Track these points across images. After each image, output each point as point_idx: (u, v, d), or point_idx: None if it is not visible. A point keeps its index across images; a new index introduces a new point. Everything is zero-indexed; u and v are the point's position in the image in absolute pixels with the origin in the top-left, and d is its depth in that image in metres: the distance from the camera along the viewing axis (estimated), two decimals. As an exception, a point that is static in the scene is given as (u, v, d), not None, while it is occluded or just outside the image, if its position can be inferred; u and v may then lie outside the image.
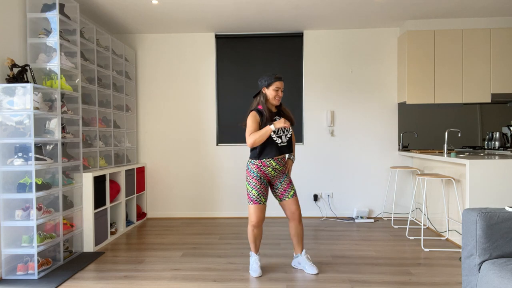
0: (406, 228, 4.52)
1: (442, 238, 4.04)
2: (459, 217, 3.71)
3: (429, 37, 4.71)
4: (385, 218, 5.05)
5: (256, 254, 3.10)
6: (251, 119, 2.93)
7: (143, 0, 3.99)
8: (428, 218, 4.53)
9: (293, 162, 3.16)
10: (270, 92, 2.96)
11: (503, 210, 2.09)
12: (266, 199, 2.99)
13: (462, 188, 3.62)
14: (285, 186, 3.04)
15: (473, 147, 5.11)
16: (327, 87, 5.14)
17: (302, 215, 5.16)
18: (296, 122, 5.18)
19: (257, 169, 2.98)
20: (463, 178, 3.61)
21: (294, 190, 3.07)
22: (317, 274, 3.02)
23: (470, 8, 4.33)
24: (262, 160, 2.96)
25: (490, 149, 4.98)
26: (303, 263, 3.08)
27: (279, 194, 3.05)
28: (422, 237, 3.76)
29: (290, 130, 3.05)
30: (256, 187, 2.96)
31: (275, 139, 2.96)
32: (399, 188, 5.10)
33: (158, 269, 3.20)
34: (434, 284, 2.80)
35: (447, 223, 3.99)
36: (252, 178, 2.99)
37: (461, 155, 3.89)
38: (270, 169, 2.98)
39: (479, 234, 2.03)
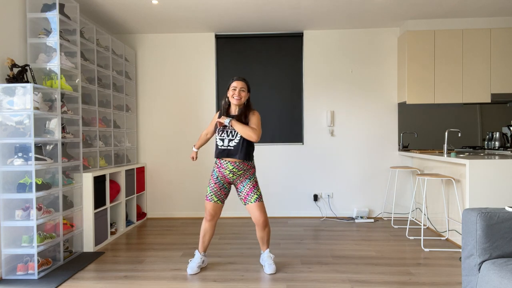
0: (406, 228, 4.52)
1: (442, 238, 4.04)
2: (459, 217, 3.71)
3: (429, 37, 4.71)
4: (385, 218, 5.05)
5: (201, 253, 3.15)
6: (213, 118, 3.22)
7: (143, 0, 3.99)
8: (428, 218, 4.53)
9: (223, 121, 3.00)
10: (229, 91, 3.06)
11: (503, 210, 2.09)
12: (219, 199, 3.09)
13: (462, 188, 3.62)
14: (248, 190, 3.06)
15: (473, 147, 5.11)
16: (327, 87, 5.15)
17: (302, 215, 5.16)
18: (296, 122, 5.17)
19: (217, 169, 3.10)
20: (463, 178, 3.61)
21: (258, 194, 3.05)
22: (272, 274, 3.04)
23: (470, 8, 4.33)
24: (220, 162, 3.06)
25: (490, 149, 4.98)
26: (264, 261, 3.15)
27: (243, 198, 3.09)
28: (422, 237, 3.76)
29: (239, 136, 3.00)
30: (210, 185, 3.11)
31: (216, 140, 3.08)
32: (399, 188, 5.10)
33: (158, 269, 3.20)
34: (434, 284, 2.80)
35: (447, 223, 3.99)
36: (211, 177, 3.14)
37: (461, 155, 3.89)
38: (228, 172, 3.04)
39: (479, 234, 2.03)
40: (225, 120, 3.00)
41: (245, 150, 3.00)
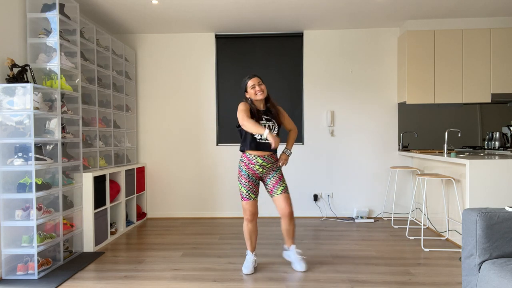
0: (406, 228, 4.52)
1: (442, 238, 4.04)
2: (459, 217, 3.71)
3: (429, 37, 4.71)
4: (385, 218, 5.05)
5: (252, 253, 3.15)
6: (243, 106, 3.02)
7: (143, 0, 3.99)
8: (428, 218, 4.53)
9: (287, 156, 3.20)
10: (249, 92, 3.06)
11: (503, 210, 2.09)
12: (256, 195, 3.10)
13: (462, 188, 3.62)
14: (274, 182, 3.09)
15: (473, 147, 5.11)
16: (327, 87, 5.15)
17: (302, 215, 5.16)
18: (296, 122, 5.17)
19: (246, 167, 3.09)
20: (463, 178, 3.61)
21: (284, 186, 3.09)
22: (304, 271, 3.06)
23: (470, 8, 4.33)
24: (248, 157, 3.06)
25: (490, 149, 4.98)
26: (293, 258, 3.15)
27: (269, 190, 3.13)
28: (422, 237, 3.76)
29: (276, 130, 3.11)
30: (244, 184, 3.08)
31: (255, 134, 3.04)
32: (399, 188, 5.10)
33: (158, 269, 3.20)
34: (434, 284, 2.80)
35: (447, 223, 3.99)
36: (242, 176, 3.11)
37: (461, 155, 3.89)
38: (258, 167, 3.06)
39: (479, 234, 2.03)
40: (288, 152, 3.22)
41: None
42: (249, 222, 3.10)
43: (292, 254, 3.15)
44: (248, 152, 3.07)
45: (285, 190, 3.08)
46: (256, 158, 3.04)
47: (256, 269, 3.16)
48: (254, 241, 3.15)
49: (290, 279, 2.92)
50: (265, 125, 3.06)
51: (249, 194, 3.07)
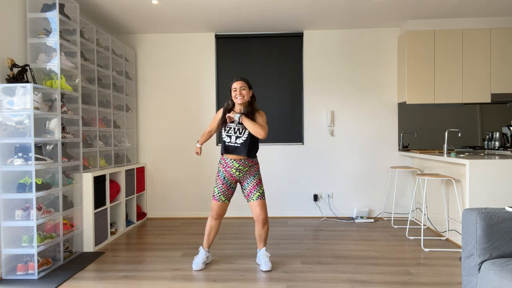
0: (406, 228, 4.52)
1: (442, 238, 4.04)
2: (459, 217, 3.71)
3: (429, 37, 4.71)
4: (385, 218, 5.05)
5: (205, 249, 3.23)
6: (215, 115, 3.27)
7: (143, 0, 3.99)
8: (428, 218, 4.53)
9: (234, 116, 3.05)
10: (232, 94, 3.12)
11: (503, 210, 2.09)
12: (226, 198, 3.17)
13: (462, 188, 3.62)
14: (251, 187, 3.14)
15: (473, 147, 5.11)
16: (327, 87, 5.14)
17: (302, 215, 5.16)
18: (296, 122, 5.17)
19: (223, 169, 3.16)
20: (463, 178, 3.61)
21: (261, 192, 3.14)
22: (268, 271, 3.10)
23: (470, 8, 4.33)
24: (225, 160, 3.13)
25: (490, 149, 4.98)
26: (260, 259, 3.20)
27: (246, 195, 3.18)
28: (422, 237, 3.76)
29: (246, 133, 3.08)
30: (218, 186, 3.16)
31: (223, 136, 3.14)
32: (399, 188, 5.10)
33: (158, 269, 3.20)
34: (434, 284, 2.80)
35: (447, 223, 3.99)
36: (218, 177, 3.19)
37: (461, 155, 3.89)
38: (234, 170, 3.12)
39: (479, 234, 2.03)
40: (236, 115, 3.06)
41: (251, 147, 3.12)
42: (214, 219, 3.21)
43: (261, 255, 3.20)
44: (225, 155, 3.15)
45: (261, 196, 3.13)
46: (233, 162, 3.11)
47: (255, 269, 3.16)
48: (212, 238, 3.25)
49: (290, 279, 2.92)
50: (234, 128, 3.10)
51: (219, 195, 3.15)
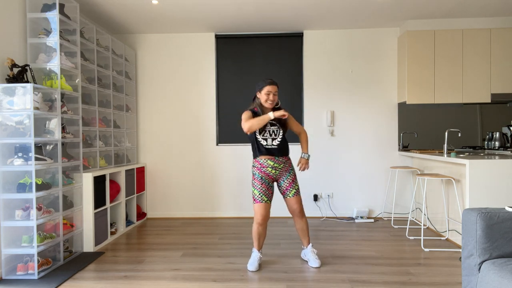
0: (406, 228, 4.52)
1: (442, 238, 4.04)
2: (459, 217, 3.71)
3: (429, 37, 4.71)
4: (385, 218, 5.05)
5: (258, 251, 3.22)
6: (244, 115, 3.14)
7: (143, 0, 3.99)
8: (428, 218, 4.53)
9: (306, 160, 3.27)
10: (262, 96, 3.15)
11: (503, 210, 2.09)
12: (268, 198, 3.16)
13: (462, 188, 3.62)
14: (287, 184, 3.19)
15: (473, 147, 5.11)
16: (327, 87, 5.15)
17: (302, 215, 5.16)
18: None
19: (258, 171, 3.18)
20: (463, 178, 3.61)
21: (296, 188, 3.21)
22: (318, 267, 3.16)
23: (470, 8, 4.33)
24: (260, 162, 3.16)
25: (490, 149, 4.98)
26: (308, 255, 3.27)
27: (282, 192, 3.24)
28: (422, 237, 3.76)
29: (281, 134, 3.18)
30: (257, 187, 3.16)
31: (260, 140, 3.15)
32: (399, 188, 5.10)
33: (158, 269, 3.20)
34: (434, 284, 2.80)
35: (447, 223, 3.99)
36: (255, 179, 3.19)
37: (461, 155, 3.89)
38: (270, 169, 3.15)
39: (479, 234, 2.03)
40: (305, 156, 3.30)
41: (286, 146, 3.22)
42: (259, 225, 3.17)
43: (308, 252, 3.27)
44: (260, 157, 3.17)
45: (297, 192, 3.21)
46: (267, 161, 3.15)
47: (255, 270, 3.16)
48: (262, 241, 3.24)
49: (290, 279, 2.92)
50: (269, 131, 3.17)
51: (261, 196, 3.13)
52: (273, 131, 3.17)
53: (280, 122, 3.20)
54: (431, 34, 4.71)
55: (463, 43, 4.69)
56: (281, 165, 3.17)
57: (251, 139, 3.21)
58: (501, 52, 4.66)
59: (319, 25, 4.91)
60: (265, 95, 3.11)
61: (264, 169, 3.15)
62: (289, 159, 3.25)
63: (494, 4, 4.21)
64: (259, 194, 3.13)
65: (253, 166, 3.22)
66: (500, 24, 4.68)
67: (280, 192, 3.28)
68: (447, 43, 4.70)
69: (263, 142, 3.15)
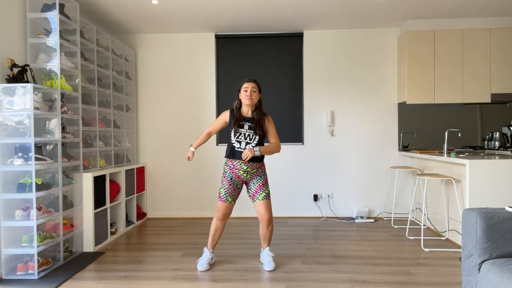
0: (406, 228, 4.52)
1: (442, 238, 4.04)
2: (459, 217, 3.71)
3: (429, 37, 4.71)
4: (385, 218, 5.05)
5: (210, 250, 3.23)
6: (220, 116, 3.22)
7: (143, 0, 3.99)
8: (428, 218, 4.53)
9: (253, 152, 2.97)
10: (241, 93, 3.12)
11: (503, 210, 2.09)
12: (233, 199, 3.16)
13: (462, 188, 3.62)
14: (257, 187, 3.15)
15: (473, 147, 5.11)
16: (327, 87, 5.15)
17: (302, 215, 5.16)
18: (296, 122, 5.17)
19: (230, 171, 3.14)
20: (463, 178, 3.61)
21: (266, 193, 3.14)
22: (271, 271, 3.11)
23: (470, 8, 4.33)
24: (233, 162, 3.11)
25: (490, 149, 4.98)
26: (263, 258, 3.22)
27: (251, 195, 3.19)
28: (422, 237, 3.76)
29: (256, 140, 3.08)
30: (225, 186, 3.14)
31: (233, 141, 3.10)
32: (399, 188, 5.10)
33: (158, 269, 3.20)
34: (434, 284, 2.80)
35: (447, 223, 3.99)
36: (225, 178, 3.16)
37: (461, 155, 3.89)
38: (242, 172, 3.12)
39: (479, 234, 2.03)
40: (256, 153, 3.01)
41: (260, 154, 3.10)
42: (219, 220, 3.18)
43: (264, 254, 3.22)
44: (233, 159, 3.12)
45: (267, 196, 3.14)
46: (241, 164, 3.10)
47: (255, 269, 3.16)
48: (216, 239, 3.24)
49: (290, 279, 2.92)
50: (244, 134, 3.08)
51: (226, 196, 3.13)
52: (248, 135, 3.08)
53: (256, 128, 3.08)
54: (431, 34, 4.71)
55: (463, 43, 4.69)
56: (254, 170, 3.12)
57: (227, 137, 3.17)
58: (501, 52, 4.66)
59: (319, 25, 4.91)
60: (243, 92, 3.09)
61: (236, 171, 3.10)
62: (263, 165, 3.19)
63: (494, 4, 4.21)
64: (225, 194, 3.12)
65: (225, 164, 3.17)
66: (500, 24, 4.68)
67: (249, 196, 3.21)
68: (447, 43, 4.70)
69: (236, 145, 3.08)
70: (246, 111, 3.15)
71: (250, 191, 3.19)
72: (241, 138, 3.09)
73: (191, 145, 3.31)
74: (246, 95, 3.07)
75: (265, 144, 3.19)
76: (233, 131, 3.10)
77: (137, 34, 5.23)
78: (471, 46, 4.69)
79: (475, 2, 4.13)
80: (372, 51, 5.10)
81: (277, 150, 3.15)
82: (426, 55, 4.72)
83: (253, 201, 3.17)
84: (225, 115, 3.20)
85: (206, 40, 5.20)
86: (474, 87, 4.70)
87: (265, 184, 3.16)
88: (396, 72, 5.10)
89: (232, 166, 3.12)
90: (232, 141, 3.10)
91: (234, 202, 3.18)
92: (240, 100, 3.16)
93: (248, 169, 3.10)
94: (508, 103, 5.20)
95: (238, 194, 3.20)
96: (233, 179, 3.14)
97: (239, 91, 3.14)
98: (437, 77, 4.72)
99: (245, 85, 3.10)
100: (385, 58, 5.10)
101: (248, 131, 3.09)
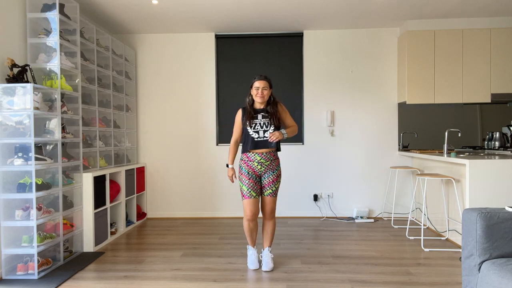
0: (406, 228, 4.52)
1: (442, 238, 4.04)
2: (459, 217, 3.71)
3: (429, 37, 4.71)
4: (385, 218, 5.05)
5: (253, 247, 3.22)
6: (236, 118, 3.27)
7: (143, 0, 3.99)
8: (428, 218, 4.53)
9: (282, 134, 3.07)
10: (253, 91, 3.15)
11: (503, 210, 2.09)
12: (257, 193, 3.13)
13: (462, 188, 3.62)
14: (267, 182, 3.15)
15: (473, 147, 5.11)
16: (327, 87, 5.14)
17: (302, 215, 5.16)
18: (296, 122, 5.17)
19: (245, 165, 3.15)
20: (463, 178, 3.61)
21: (274, 189, 3.14)
22: (268, 271, 3.09)
23: (470, 8, 4.33)
24: (247, 155, 3.12)
25: (490, 149, 4.98)
26: (263, 258, 3.20)
27: (261, 187, 3.19)
28: (422, 237, 3.76)
29: (271, 127, 3.11)
30: (245, 182, 3.12)
31: (251, 133, 3.13)
32: (399, 188, 5.10)
33: (158, 269, 3.20)
34: (434, 284, 2.80)
35: (447, 223, 3.99)
36: (242, 174, 3.16)
37: (461, 155, 3.89)
38: (256, 163, 3.12)
39: (479, 234, 2.03)
40: (284, 135, 3.10)
41: (278, 140, 3.12)
42: (249, 221, 3.14)
43: (264, 254, 3.20)
44: (248, 152, 3.14)
45: (274, 193, 3.15)
46: (255, 155, 3.11)
47: (255, 269, 3.16)
48: (255, 237, 3.22)
49: (290, 279, 2.92)
50: (259, 123, 3.12)
51: (249, 191, 3.09)
52: (264, 123, 3.12)
53: (272, 116, 3.14)
54: (431, 34, 4.71)
55: (463, 43, 4.69)
56: (268, 162, 3.12)
57: (244, 134, 3.17)
58: (501, 52, 4.66)
59: (319, 25, 4.91)
60: (254, 90, 3.11)
61: (250, 163, 3.11)
62: (277, 158, 3.20)
63: (494, 4, 4.21)
64: (247, 189, 3.09)
65: (240, 159, 3.19)
66: (500, 24, 4.68)
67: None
68: (447, 43, 4.70)
69: (255, 136, 3.11)
70: (259, 106, 3.19)
71: (261, 184, 3.18)
72: (257, 128, 3.12)
73: (227, 164, 3.28)
74: (258, 93, 3.10)
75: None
76: (248, 124, 3.13)
77: (137, 34, 5.23)
78: (471, 46, 4.69)
79: (475, 2, 4.13)
80: (372, 51, 5.10)
81: (297, 131, 3.28)
82: (426, 55, 4.72)
83: (261, 194, 3.18)
84: (239, 117, 3.23)
85: (206, 40, 5.21)
86: (474, 87, 4.70)
87: (276, 180, 3.15)
88: (396, 72, 5.10)
89: (247, 159, 3.13)
90: (250, 133, 3.12)
91: (259, 196, 3.15)
92: (250, 95, 3.20)
93: (262, 160, 3.10)
94: (508, 103, 5.20)
95: (260, 188, 3.16)
96: (250, 173, 3.12)
97: (251, 87, 3.16)
98: (437, 77, 4.72)
99: (256, 84, 3.11)
100: (385, 58, 5.10)
101: (262, 120, 3.13)
